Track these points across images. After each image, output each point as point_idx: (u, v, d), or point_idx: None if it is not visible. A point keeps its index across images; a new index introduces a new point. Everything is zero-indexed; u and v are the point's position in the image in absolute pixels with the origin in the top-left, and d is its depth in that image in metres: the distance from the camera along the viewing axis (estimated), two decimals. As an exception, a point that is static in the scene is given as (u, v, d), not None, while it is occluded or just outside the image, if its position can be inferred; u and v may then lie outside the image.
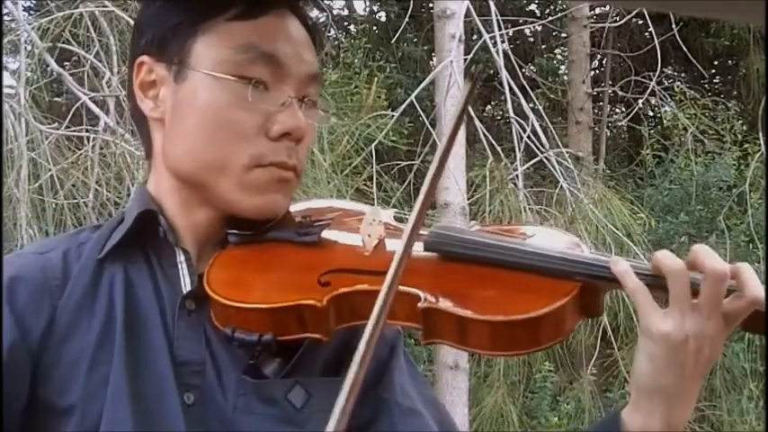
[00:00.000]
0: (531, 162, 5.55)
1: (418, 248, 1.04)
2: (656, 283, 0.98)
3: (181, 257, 1.10)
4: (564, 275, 1.00)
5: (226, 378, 1.05)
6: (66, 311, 1.05)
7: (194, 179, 1.09)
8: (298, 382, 1.05)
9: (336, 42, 8.70)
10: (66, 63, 5.31)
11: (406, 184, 5.40)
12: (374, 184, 5.01)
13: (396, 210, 1.18)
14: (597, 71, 10.02)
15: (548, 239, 1.09)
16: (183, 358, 1.05)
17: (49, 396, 1.02)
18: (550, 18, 8.52)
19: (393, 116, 5.41)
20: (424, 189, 1.00)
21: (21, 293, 1.04)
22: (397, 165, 6.13)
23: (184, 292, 1.07)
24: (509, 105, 5.20)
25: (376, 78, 6.24)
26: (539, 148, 5.31)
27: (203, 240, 1.12)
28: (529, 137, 5.21)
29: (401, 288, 0.96)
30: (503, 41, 5.27)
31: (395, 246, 1.04)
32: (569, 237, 1.10)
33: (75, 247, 1.11)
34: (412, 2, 7.17)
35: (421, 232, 1.05)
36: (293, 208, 1.17)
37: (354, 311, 1.03)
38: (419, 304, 0.99)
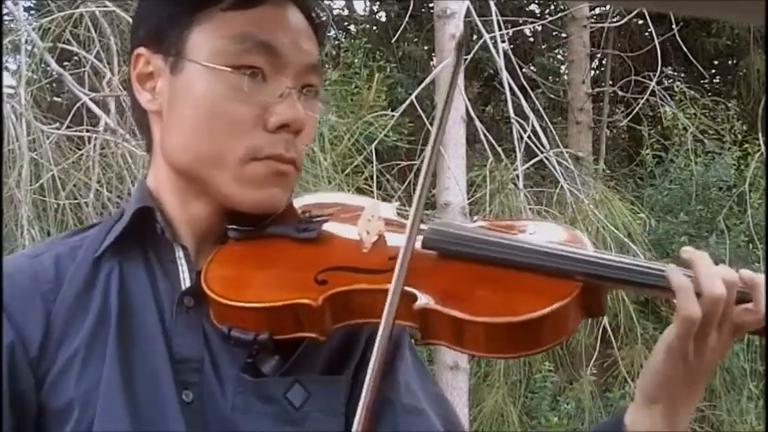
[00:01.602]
0: (532, 162, 5.55)
1: (417, 246, 1.01)
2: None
3: (179, 253, 1.08)
4: (565, 274, 0.97)
5: (224, 376, 1.03)
6: (60, 314, 1.03)
7: (191, 172, 1.07)
8: (297, 380, 1.03)
9: (336, 42, 8.69)
10: (66, 63, 5.31)
11: (406, 183, 5.39)
12: (374, 183, 5.01)
13: (399, 204, 1.15)
14: (597, 71, 10.00)
15: (551, 236, 1.05)
16: (181, 355, 1.03)
17: (44, 400, 1.01)
18: (550, 18, 8.50)
19: (393, 116, 5.41)
20: (420, 181, 0.98)
21: (14, 297, 1.02)
22: (398, 164, 6.13)
23: (183, 288, 1.06)
24: (509, 105, 5.20)
25: (376, 78, 6.23)
26: (539, 149, 5.31)
27: (202, 235, 1.09)
28: (529, 137, 5.21)
29: None
30: (503, 41, 5.28)
31: (395, 242, 1.02)
32: (574, 232, 1.07)
33: (67, 250, 1.09)
34: (412, 2, 7.17)
35: (421, 227, 1.03)
36: (297, 203, 1.13)
37: (351, 311, 1.01)
38: (415, 305, 0.96)
